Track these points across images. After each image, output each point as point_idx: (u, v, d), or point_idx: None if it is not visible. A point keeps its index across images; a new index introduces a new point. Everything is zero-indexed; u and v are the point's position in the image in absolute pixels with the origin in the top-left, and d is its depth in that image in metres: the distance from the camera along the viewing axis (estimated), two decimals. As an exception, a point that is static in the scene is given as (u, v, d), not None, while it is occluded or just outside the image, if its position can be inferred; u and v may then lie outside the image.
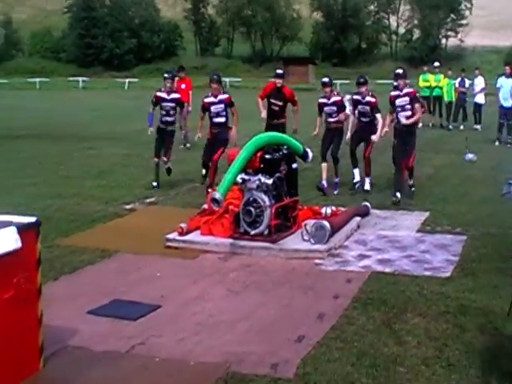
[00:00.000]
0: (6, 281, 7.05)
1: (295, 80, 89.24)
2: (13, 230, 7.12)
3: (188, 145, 27.83)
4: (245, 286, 10.51)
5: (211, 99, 18.12)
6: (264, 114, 19.21)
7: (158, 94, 18.92)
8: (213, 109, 17.93)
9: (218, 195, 11.87)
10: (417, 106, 17.23)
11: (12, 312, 7.16)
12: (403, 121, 16.85)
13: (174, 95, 19.21)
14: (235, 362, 7.69)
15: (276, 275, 11.02)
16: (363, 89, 18.17)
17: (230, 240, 12.46)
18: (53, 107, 55.02)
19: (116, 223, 14.50)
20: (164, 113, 18.87)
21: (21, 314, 7.32)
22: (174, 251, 12.44)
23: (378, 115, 17.99)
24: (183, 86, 29.46)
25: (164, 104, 18.80)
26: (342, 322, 8.90)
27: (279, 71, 19.54)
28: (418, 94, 18.00)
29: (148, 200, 16.79)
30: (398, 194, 16.00)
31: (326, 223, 12.40)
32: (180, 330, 8.77)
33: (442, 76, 35.34)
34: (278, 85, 19.04)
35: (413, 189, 16.97)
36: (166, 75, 19.14)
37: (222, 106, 17.91)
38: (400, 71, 17.82)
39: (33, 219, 7.61)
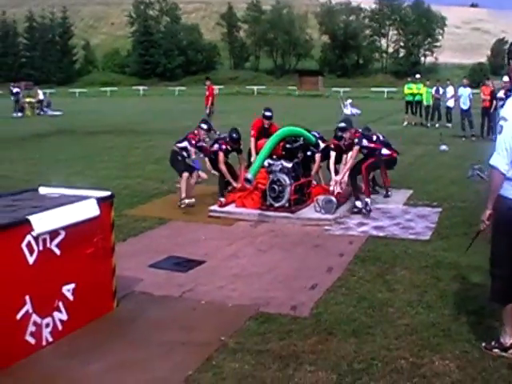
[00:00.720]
0: (88, 240, 7.15)
1: (308, 87, 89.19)
2: (93, 201, 7.21)
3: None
4: (270, 246, 10.50)
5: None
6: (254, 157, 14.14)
7: (202, 144, 14.44)
8: None
9: (249, 176, 11.87)
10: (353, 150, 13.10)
11: (93, 264, 7.25)
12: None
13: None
14: (263, 305, 7.72)
15: (294, 238, 11.00)
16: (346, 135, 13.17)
17: (259, 211, 12.46)
18: (120, 110, 55.06)
19: (170, 198, 14.47)
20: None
21: (99, 265, 7.40)
22: (215, 220, 12.41)
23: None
24: (206, 93, 29.86)
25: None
26: (346, 273, 8.90)
27: (268, 113, 14.91)
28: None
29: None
30: (358, 203, 12.93)
31: (333, 198, 12.41)
32: (220, 280, 8.79)
33: (421, 85, 35.31)
34: (266, 125, 14.81)
35: (389, 193, 14.36)
36: (203, 125, 14.54)
37: None
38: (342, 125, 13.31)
39: (108, 193, 7.69)
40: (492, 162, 5.91)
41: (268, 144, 12.63)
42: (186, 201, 13.46)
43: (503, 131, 5.86)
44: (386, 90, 79.55)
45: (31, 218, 6.41)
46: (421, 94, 34.85)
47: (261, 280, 8.80)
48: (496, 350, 6.16)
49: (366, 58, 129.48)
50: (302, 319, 7.24)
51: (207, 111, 28.90)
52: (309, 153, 13.66)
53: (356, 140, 13.07)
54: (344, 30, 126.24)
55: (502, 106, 6.22)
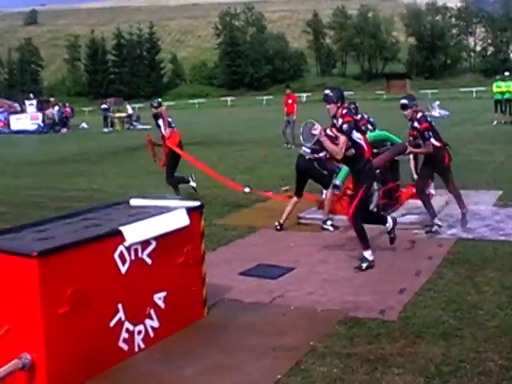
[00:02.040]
0: (179, 249, 7.35)
1: (395, 91, 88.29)
2: (183, 211, 7.41)
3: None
4: (358, 251, 10.53)
5: None
6: None
7: None
8: None
9: (338, 182, 11.96)
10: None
11: (183, 272, 7.44)
12: None
13: None
14: (352, 309, 7.77)
15: (383, 242, 11.01)
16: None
17: (347, 216, 12.46)
18: (209, 121, 55.72)
19: (259, 206, 14.64)
20: None
21: (190, 274, 7.58)
22: (305, 226, 12.51)
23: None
24: (290, 101, 29.76)
25: None
26: (435, 277, 8.86)
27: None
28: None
29: (283, 188, 16.87)
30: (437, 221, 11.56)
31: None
32: (309, 286, 8.88)
33: (511, 83, 34.59)
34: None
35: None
36: None
37: None
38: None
39: (198, 203, 7.89)
40: None
41: None
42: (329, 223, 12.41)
43: None
44: (474, 89, 78.13)
45: (123, 229, 6.65)
46: (510, 92, 34.17)
47: (350, 285, 8.85)
48: None
49: (453, 58, 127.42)
50: (390, 323, 7.27)
51: (294, 118, 28.89)
52: (396, 157, 13.58)
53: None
54: (430, 30, 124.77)
55: None
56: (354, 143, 9.58)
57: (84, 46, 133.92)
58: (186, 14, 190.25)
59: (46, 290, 5.89)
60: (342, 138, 9.43)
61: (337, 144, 9.49)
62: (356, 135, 9.62)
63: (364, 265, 9.51)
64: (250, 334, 7.29)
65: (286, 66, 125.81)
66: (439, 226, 11.49)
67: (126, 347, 6.67)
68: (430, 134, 11.38)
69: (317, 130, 9.49)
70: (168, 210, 7.52)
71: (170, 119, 17.11)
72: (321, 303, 8.13)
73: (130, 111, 54.47)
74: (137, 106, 75.85)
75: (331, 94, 9.71)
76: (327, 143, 9.54)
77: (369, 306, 7.87)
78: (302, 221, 12.86)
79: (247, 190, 11.92)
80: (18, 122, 60.25)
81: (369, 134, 12.87)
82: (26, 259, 5.91)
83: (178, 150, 16.70)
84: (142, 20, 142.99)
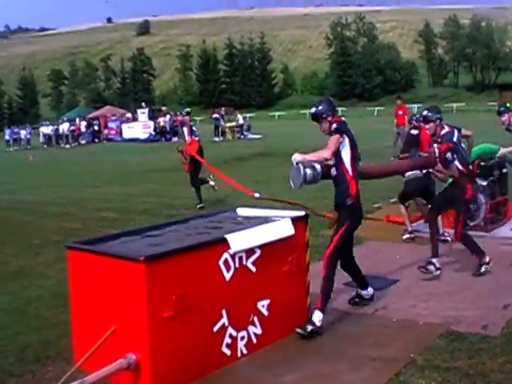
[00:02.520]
0: (283, 258, 7.53)
1: (509, 102, 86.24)
2: (288, 221, 7.56)
3: None
4: (464, 265, 10.44)
5: None
6: None
7: None
8: None
9: None
10: None
11: (288, 281, 7.60)
12: None
13: None
14: (454, 323, 7.76)
15: (489, 257, 10.90)
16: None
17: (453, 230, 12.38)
18: (320, 132, 55.72)
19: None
20: None
21: (294, 283, 7.73)
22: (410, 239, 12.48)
23: None
24: (400, 112, 29.48)
25: None
26: (542, 294, 8.74)
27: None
28: None
29: (392, 200, 16.82)
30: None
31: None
32: (412, 298, 8.91)
33: None
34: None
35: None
36: None
37: None
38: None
39: (302, 213, 8.06)
40: None
41: None
42: None
43: None
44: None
45: (228, 236, 6.86)
46: None
47: (453, 299, 8.82)
48: None
49: None
50: (492, 338, 7.22)
51: (405, 129, 28.73)
52: (504, 170, 13.40)
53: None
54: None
55: None
56: (337, 160, 8.23)
57: (196, 55, 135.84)
58: (297, 24, 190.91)
59: (151, 293, 6.14)
60: (334, 137, 8.30)
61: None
62: (345, 154, 8.28)
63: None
64: (350, 344, 7.39)
65: (398, 77, 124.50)
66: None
67: (228, 352, 6.86)
68: (454, 155, 9.73)
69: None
70: (273, 219, 7.69)
71: (194, 128, 18.43)
72: (423, 316, 8.15)
73: (241, 121, 55.13)
74: (248, 115, 76.54)
75: (319, 108, 8.82)
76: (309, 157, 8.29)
77: (471, 321, 7.84)
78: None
79: (257, 195, 11.85)
80: (130, 131, 61.87)
81: (476, 148, 12.71)
82: (134, 264, 6.19)
83: (196, 156, 17.72)
84: (253, 30, 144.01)
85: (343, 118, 8.69)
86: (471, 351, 6.85)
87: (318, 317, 7.66)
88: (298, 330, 7.54)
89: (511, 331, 7.41)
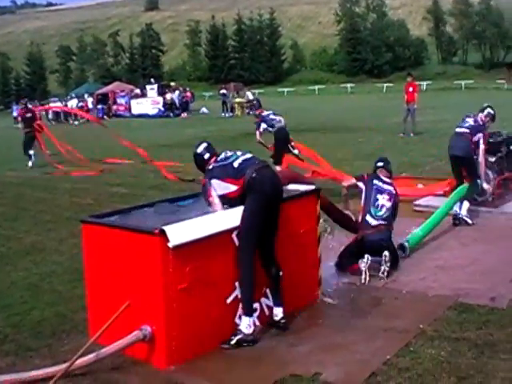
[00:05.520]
0: (295, 231, 7.72)
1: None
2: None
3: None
4: (472, 239, 10.58)
5: None
6: None
7: None
8: None
9: (406, 244, 9.96)
10: None
11: (300, 253, 7.81)
12: None
13: None
14: (462, 295, 7.90)
15: (497, 232, 11.00)
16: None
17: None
18: (328, 108, 55.87)
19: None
20: None
21: (305, 255, 7.94)
22: (420, 214, 12.45)
23: None
24: (411, 89, 29.54)
25: None
26: (549, 267, 8.88)
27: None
28: None
29: (401, 175, 16.91)
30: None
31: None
32: (422, 271, 9.06)
33: None
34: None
35: None
36: None
37: None
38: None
39: (314, 187, 8.18)
40: None
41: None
42: None
43: None
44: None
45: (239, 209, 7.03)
46: None
47: (462, 272, 8.96)
48: None
49: None
50: (499, 310, 7.37)
51: (415, 106, 28.83)
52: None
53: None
54: None
55: None
56: None
57: (205, 31, 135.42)
58: (307, 0, 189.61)
59: (166, 266, 6.27)
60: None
61: None
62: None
63: None
64: (362, 316, 7.55)
65: (407, 54, 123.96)
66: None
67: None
68: None
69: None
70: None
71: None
72: (432, 288, 8.30)
73: (251, 97, 55.11)
74: (257, 91, 76.51)
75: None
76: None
77: (479, 293, 7.98)
78: (418, 208, 12.96)
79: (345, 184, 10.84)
80: (139, 106, 61.93)
81: None
82: (149, 236, 6.32)
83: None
84: (262, 6, 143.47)
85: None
86: (479, 322, 7.00)
87: (245, 323, 6.88)
88: (223, 346, 6.75)
89: (519, 303, 7.56)
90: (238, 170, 7.00)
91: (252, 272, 6.87)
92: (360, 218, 9.50)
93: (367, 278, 8.60)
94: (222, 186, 7.03)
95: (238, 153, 7.26)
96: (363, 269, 8.65)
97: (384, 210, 9.40)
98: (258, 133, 18.11)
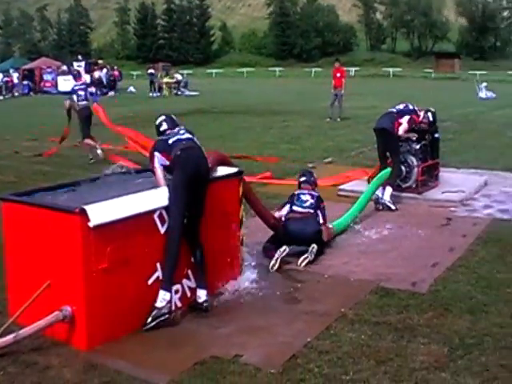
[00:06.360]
0: (217, 213, 7.64)
1: (444, 70, 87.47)
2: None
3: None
4: (396, 225, 10.70)
5: None
6: None
7: None
8: None
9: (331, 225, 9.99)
10: None
11: (221, 234, 7.79)
12: None
13: None
14: (384, 280, 8.00)
15: (420, 218, 11.16)
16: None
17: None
18: (256, 91, 55.87)
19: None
20: None
21: (227, 236, 7.92)
22: (344, 198, 12.59)
23: None
24: (338, 75, 29.76)
25: None
26: (467, 254, 9.03)
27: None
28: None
29: (326, 160, 17.07)
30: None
31: None
32: (345, 256, 9.15)
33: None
34: None
35: None
36: None
37: None
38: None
39: (237, 169, 8.15)
40: None
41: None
42: None
43: None
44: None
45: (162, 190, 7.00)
46: None
47: (385, 257, 9.07)
48: None
49: (504, 41, 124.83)
50: (420, 295, 7.48)
51: (342, 92, 29.02)
52: (436, 135, 13.62)
53: None
54: (482, 11, 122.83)
55: None
56: None
57: (134, 9, 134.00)
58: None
59: (87, 245, 6.16)
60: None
61: None
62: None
63: None
64: (283, 299, 7.58)
65: (336, 39, 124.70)
66: None
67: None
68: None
69: None
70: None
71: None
72: (354, 273, 8.37)
73: (180, 78, 54.79)
74: (185, 72, 76.06)
75: None
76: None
77: (401, 278, 8.08)
78: (342, 193, 13.05)
79: None
80: (66, 83, 60.56)
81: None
82: (69, 215, 6.20)
83: None
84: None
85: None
86: (400, 307, 7.08)
87: (160, 297, 6.78)
88: (143, 328, 6.66)
89: (438, 288, 7.67)
90: (171, 147, 7.29)
91: (178, 247, 6.89)
92: (285, 214, 9.59)
93: (276, 266, 8.57)
94: (160, 159, 7.33)
95: (181, 131, 7.55)
96: (276, 256, 8.65)
97: (308, 203, 9.59)
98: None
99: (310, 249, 8.83)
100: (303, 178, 10.23)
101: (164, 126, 7.78)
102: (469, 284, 7.77)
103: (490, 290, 7.57)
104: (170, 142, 7.37)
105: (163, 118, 7.94)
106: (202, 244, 7.27)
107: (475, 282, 7.85)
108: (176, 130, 7.62)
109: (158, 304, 6.73)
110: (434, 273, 8.25)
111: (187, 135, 7.50)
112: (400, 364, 5.77)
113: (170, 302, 6.83)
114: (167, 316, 6.77)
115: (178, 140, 7.37)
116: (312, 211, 9.48)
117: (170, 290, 6.86)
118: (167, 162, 7.29)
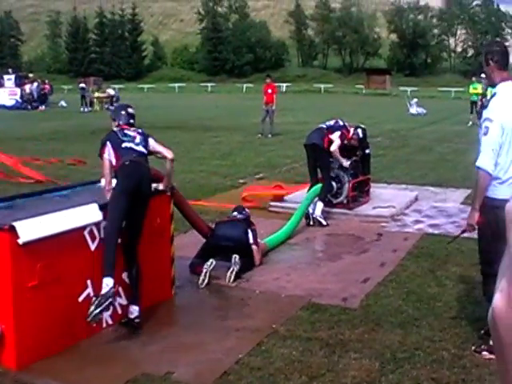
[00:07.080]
0: (148, 229, 7.45)
1: (375, 86, 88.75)
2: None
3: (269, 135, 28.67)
4: (326, 240, 10.82)
5: None
6: None
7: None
8: None
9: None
10: None
11: (152, 251, 7.66)
12: None
13: None
14: (315, 296, 8.01)
15: (351, 233, 11.26)
16: None
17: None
18: (188, 106, 55.80)
19: (232, 193, 14.81)
20: None
21: (158, 253, 7.84)
22: (275, 214, 12.66)
23: None
24: (270, 91, 29.91)
25: None
26: (398, 269, 9.11)
27: None
28: None
29: (257, 176, 17.11)
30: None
31: None
32: (276, 272, 9.12)
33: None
34: None
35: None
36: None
37: None
38: None
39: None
40: (479, 163, 6.09)
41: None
42: None
43: (489, 132, 6.03)
44: (453, 89, 78.39)
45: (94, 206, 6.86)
46: (486, 94, 34.47)
47: (316, 272, 9.09)
48: (485, 353, 6.19)
49: (434, 58, 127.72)
50: (351, 310, 7.51)
51: (273, 108, 29.15)
52: (367, 151, 13.76)
53: None
54: (413, 28, 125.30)
55: None
56: None
57: (65, 22, 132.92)
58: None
59: (16, 262, 6.03)
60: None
61: None
62: None
63: None
64: (214, 316, 7.53)
65: (268, 55, 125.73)
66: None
67: (94, 323, 6.83)
68: None
69: None
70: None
71: None
72: (285, 289, 8.36)
73: (112, 93, 54.35)
74: (117, 86, 75.58)
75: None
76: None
77: (332, 294, 8.10)
78: (273, 208, 13.08)
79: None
80: (-5, 96, 59.76)
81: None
82: (-3, 232, 6.07)
83: None
84: (124, 0, 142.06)
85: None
86: (331, 322, 7.10)
87: (104, 284, 6.62)
88: (87, 319, 6.47)
89: (369, 303, 7.72)
90: (122, 151, 7.30)
91: (113, 251, 6.74)
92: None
93: (206, 281, 8.52)
94: (110, 152, 7.31)
95: (137, 140, 7.52)
96: (204, 270, 8.60)
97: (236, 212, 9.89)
98: None
99: (233, 260, 8.80)
100: (234, 213, 10.19)
101: (122, 120, 7.87)
102: (400, 299, 7.84)
103: (421, 304, 7.65)
104: (123, 145, 7.34)
105: (130, 110, 8.19)
106: (138, 262, 7.17)
107: (406, 296, 7.93)
108: (132, 133, 7.57)
109: (103, 291, 6.54)
110: (365, 288, 8.30)
111: (141, 148, 7.46)
112: (332, 379, 5.78)
113: (113, 286, 6.64)
114: (111, 300, 6.60)
115: (131, 149, 7.33)
116: (242, 217, 9.69)
117: (111, 275, 6.64)
118: (114, 162, 7.25)
